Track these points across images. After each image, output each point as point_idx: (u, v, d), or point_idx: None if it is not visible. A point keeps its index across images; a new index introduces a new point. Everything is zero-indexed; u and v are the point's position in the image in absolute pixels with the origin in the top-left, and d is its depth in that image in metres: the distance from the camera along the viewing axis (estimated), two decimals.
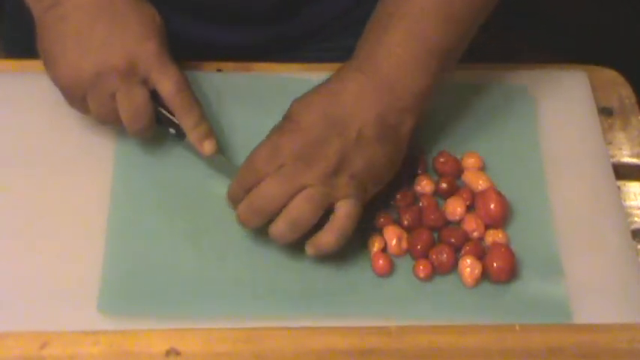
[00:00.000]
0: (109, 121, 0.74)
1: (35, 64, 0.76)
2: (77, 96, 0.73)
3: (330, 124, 0.69)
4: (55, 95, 0.75)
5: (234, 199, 0.71)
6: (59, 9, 0.72)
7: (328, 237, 0.68)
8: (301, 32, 0.91)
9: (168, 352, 0.66)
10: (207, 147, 0.74)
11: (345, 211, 0.68)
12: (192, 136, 0.74)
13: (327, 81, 0.72)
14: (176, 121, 0.74)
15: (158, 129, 0.75)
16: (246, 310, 0.69)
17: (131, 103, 0.72)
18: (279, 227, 0.68)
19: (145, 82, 0.72)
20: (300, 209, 0.67)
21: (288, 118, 0.70)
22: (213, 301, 0.70)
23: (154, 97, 0.73)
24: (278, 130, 0.70)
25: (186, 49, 0.79)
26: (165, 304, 0.70)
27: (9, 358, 0.65)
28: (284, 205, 0.68)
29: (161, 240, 0.73)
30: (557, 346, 0.68)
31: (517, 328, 0.69)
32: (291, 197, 0.67)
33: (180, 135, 0.75)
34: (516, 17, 1.56)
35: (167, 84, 0.73)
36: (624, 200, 0.79)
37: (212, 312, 0.69)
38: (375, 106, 0.69)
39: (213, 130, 0.75)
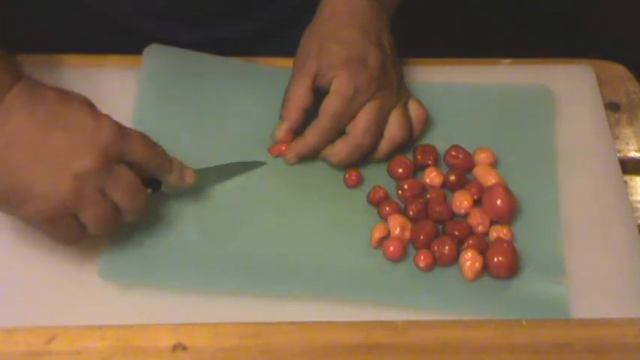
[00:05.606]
0: (111, 219, 0.67)
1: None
2: (62, 221, 0.65)
3: (378, 50, 0.78)
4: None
5: (299, 152, 0.78)
6: None
7: (419, 130, 0.81)
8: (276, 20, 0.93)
9: (175, 347, 0.66)
10: (189, 178, 0.72)
11: (417, 104, 0.81)
12: (172, 179, 0.71)
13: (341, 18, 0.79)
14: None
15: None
16: (248, 288, 0.70)
17: (125, 182, 0.66)
18: (385, 151, 0.78)
19: (118, 160, 0.66)
20: (399, 130, 0.78)
21: (346, 62, 0.76)
22: (217, 277, 0.70)
23: None
24: (346, 76, 0.76)
25: None
26: (166, 275, 0.70)
27: (16, 353, 0.65)
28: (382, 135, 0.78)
29: (166, 216, 0.73)
30: (564, 341, 0.68)
31: (524, 323, 0.68)
32: (386, 122, 0.77)
33: (156, 189, 0.71)
34: (523, 13, 1.56)
35: (138, 147, 0.67)
36: (631, 195, 0.80)
37: (214, 287, 0.70)
38: (384, 19, 0.82)
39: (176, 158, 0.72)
